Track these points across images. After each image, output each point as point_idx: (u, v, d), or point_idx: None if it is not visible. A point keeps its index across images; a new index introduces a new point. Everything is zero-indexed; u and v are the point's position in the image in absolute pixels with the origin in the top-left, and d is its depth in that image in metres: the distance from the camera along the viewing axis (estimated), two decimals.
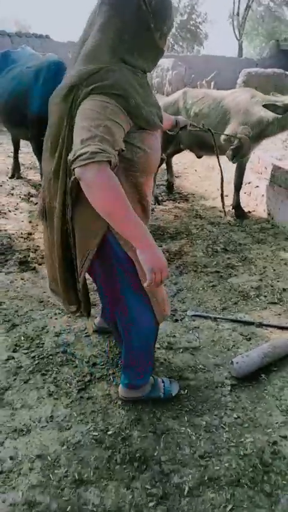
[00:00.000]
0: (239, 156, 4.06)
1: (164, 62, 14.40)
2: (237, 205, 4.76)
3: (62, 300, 1.93)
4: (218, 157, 2.84)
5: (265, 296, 3.16)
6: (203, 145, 4.45)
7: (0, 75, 4.65)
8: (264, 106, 3.86)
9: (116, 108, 1.37)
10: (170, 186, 5.56)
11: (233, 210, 4.79)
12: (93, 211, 1.38)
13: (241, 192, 4.77)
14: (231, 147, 3.98)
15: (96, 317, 2.65)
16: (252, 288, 3.27)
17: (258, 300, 3.12)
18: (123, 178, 1.53)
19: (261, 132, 4.15)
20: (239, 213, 4.75)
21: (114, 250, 1.67)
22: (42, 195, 1.79)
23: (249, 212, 4.89)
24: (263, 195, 4.79)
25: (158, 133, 1.66)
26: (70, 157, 1.29)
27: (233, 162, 4.23)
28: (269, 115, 3.96)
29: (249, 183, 5.11)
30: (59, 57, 4.44)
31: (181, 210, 5.00)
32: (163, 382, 2.17)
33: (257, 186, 4.92)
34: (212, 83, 11.59)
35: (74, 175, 1.32)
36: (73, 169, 1.30)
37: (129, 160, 1.52)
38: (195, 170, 6.69)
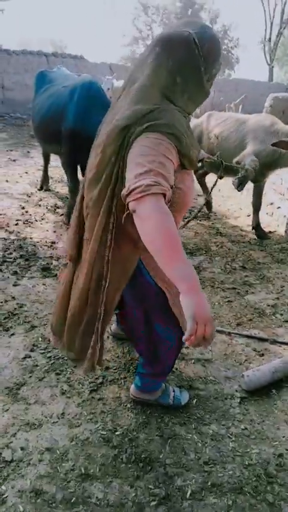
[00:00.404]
0: (244, 185, 4.21)
1: None
2: (257, 225, 4.81)
3: (64, 345, 1.88)
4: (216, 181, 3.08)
5: (281, 314, 3.18)
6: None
7: (38, 93, 4.92)
8: (273, 145, 3.85)
9: (170, 145, 1.38)
10: (208, 204, 5.54)
11: (253, 230, 4.85)
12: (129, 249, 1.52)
13: (263, 213, 4.82)
14: (238, 176, 4.10)
15: (111, 324, 2.74)
16: (268, 305, 3.29)
17: (273, 317, 3.14)
18: None
19: (273, 161, 4.23)
20: (260, 233, 4.78)
21: (146, 280, 1.73)
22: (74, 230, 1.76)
23: (270, 232, 4.92)
24: (284, 216, 4.82)
25: (192, 173, 1.70)
26: (124, 192, 1.27)
27: (238, 190, 4.31)
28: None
29: (271, 204, 5.15)
30: (92, 77, 4.66)
31: (202, 227, 5.07)
32: (174, 390, 2.22)
33: (279, 207, 4.96)
34: (240, 106, 11.77)
35: (127, 210, 1.29)
36: (127, 203, 1.27)
37: (168, 200, 1.40)
38: (219, 190, 6.77)
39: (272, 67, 26.52)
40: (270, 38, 26.07)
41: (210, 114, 5.08)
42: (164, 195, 1.26)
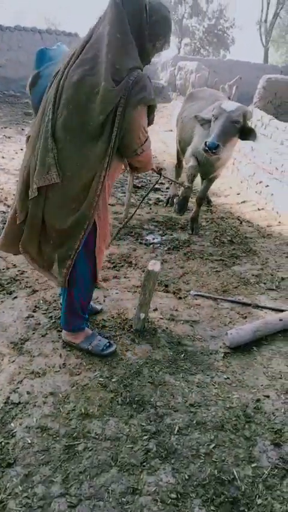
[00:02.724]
0: (184, 209, 4.34)
1: (188, 65, 14.69)
2: (193, 218, 4.44)
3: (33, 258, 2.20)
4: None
5: (264, 283, 3.42)
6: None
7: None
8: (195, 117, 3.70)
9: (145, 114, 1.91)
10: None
11: (191, 221, 4.46)
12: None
13: (252, 191, 4.99)
14: (177, 201, 4.23)
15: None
16: (253, 275, 3.53)
17: (257, 286, 3.38)
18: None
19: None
20: (193, 226, 4.41)
21: None
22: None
23: (259, 209, 5.14)
24: (272, 194, 5.03)
25: None
26: (138, 152, 1.96)
27: (179, 214, 4.49)
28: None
29: (260, 182, 5.35)
30: None
31: (193, 205, 5.25)
32: (100, 340, 2.41)
33: (267, 186, 5.16)
34: (234, 88, 11.82)
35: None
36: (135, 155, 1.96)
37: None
38: None
39: (268, 49, 26.31)
40: (266, 19, 25.80)
41: (191, 93, 5.03)
42: None
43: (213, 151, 3.22)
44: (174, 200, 4.95)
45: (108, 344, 2.40)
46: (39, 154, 1.90)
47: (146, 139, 1.95)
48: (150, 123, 1.97)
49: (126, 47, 1.78)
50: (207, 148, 3.23)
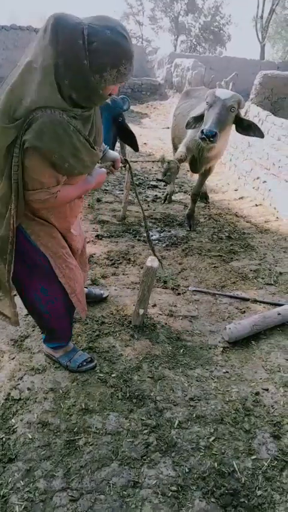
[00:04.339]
0: (170, 177, 3.84)
1: (185, 62, 14.68)
2: (190, 214, 4.48)
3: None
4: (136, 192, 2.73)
5: (262, 278, 3.43)
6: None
7: None
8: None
9: (43, 164, 1.58)
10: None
11: (187, 218, 4.49)
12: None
13: (250, 187, 5.00)
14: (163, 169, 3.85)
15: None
16: (251, 270, 3.54)
17: (255, 281, 3.39)
18: None
19: (200, 151, 3.84)
20: (190, 222, 4.46)
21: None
22: None
23: (256, 205, 5.15)
24: (269, 190, 5.04)
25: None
26: (30, 199, 1.63)
27: (166, 182, 4.19)
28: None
29: (257, 178, 5.36)
30: None
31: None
32: (80, 355, 2.30)
33: (265, 181, 5.17)
34: (231, 84, 11.82)
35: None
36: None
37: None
38: None
39: (264, 45, 26.27)
40: (262, 15, 25.74)
41: (187, 91, 5.00)
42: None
43: (211, 139, 3.17)
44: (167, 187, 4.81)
45: (89, 359, 2.30)
46: None
47: (57, 184, 1.64)
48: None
49: (38, 81, 1.45)
50: (204, 136, 3.17)
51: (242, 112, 6.82)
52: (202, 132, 3.18)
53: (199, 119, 3.57)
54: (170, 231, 4.31)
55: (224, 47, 29.33)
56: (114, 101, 3.32)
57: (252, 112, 6.49)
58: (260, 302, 3.06)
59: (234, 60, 18.44)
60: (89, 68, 1.43)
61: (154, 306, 2.92)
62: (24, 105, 1.44)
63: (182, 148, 4.02)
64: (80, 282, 2.08)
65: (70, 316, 2.22)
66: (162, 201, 5.17)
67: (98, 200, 5.02)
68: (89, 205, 4.76)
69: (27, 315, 2.69)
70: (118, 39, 1.42)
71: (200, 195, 4.48)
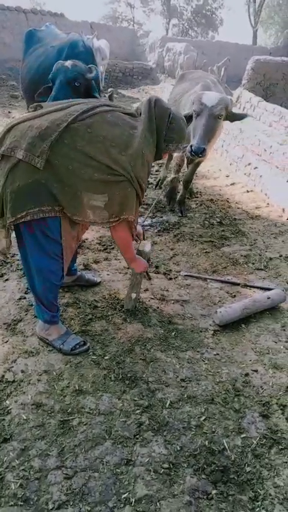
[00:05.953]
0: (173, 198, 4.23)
1: (177, 46, 14.49)
2: (181, 200, 4.51)
3: None
4: None
5: (253, 263, 3.47)
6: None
7: (27, 53, 4.87)
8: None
9: None
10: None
11: (179, 204, 4.51)
12: None
13: (241, 173, 4.99)
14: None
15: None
16: (241, 256, 3.58)
17: (246, 266, 3.43)
18: None
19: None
20: (181, 208, 4.47)
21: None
22: None
23: (248, 191, 5.17)
24: (261, 176, 5.06)
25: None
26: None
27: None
28: None
29: (249, 164, 5.38)
30: (79, 36, 4.65)
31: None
32: (73, 339, 2.34)
33: (256, 168, 5.19)
34: (223, 69, 11.74)
35: None
36: None
37: None
38: None
39: (256, 30, 25.99)
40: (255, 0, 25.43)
41: (182, 75, 4.90)
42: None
43: (199, 155, 3.15)
44: (164, 182, 4.96)
45: (82, 343, 2.33)
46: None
47: None
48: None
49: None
50: (193, 153, 3.14)
51: (234, 96, 6.81)
52: (191, 148, 3.13)
53: (187, 119, 3.50)
54: (161, 217, 4.32)
55: (217, 31, 28.93)
56: (74, 65, 3.17)
57: (244, 98, 6.48)
58: (250, 286, 3.11)
59: (226, 45, 18.25)
60: (164, 138, 2.14)
61: (146, 290, 2.95)
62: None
63: (176, 161, 4.20)
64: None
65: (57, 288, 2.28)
66: (154, 187, 5.16)
67: None
68: None
69: (19, 299, 2.70)
70: (185, 128, 2.21)
71: (191, 181, 4.49)
